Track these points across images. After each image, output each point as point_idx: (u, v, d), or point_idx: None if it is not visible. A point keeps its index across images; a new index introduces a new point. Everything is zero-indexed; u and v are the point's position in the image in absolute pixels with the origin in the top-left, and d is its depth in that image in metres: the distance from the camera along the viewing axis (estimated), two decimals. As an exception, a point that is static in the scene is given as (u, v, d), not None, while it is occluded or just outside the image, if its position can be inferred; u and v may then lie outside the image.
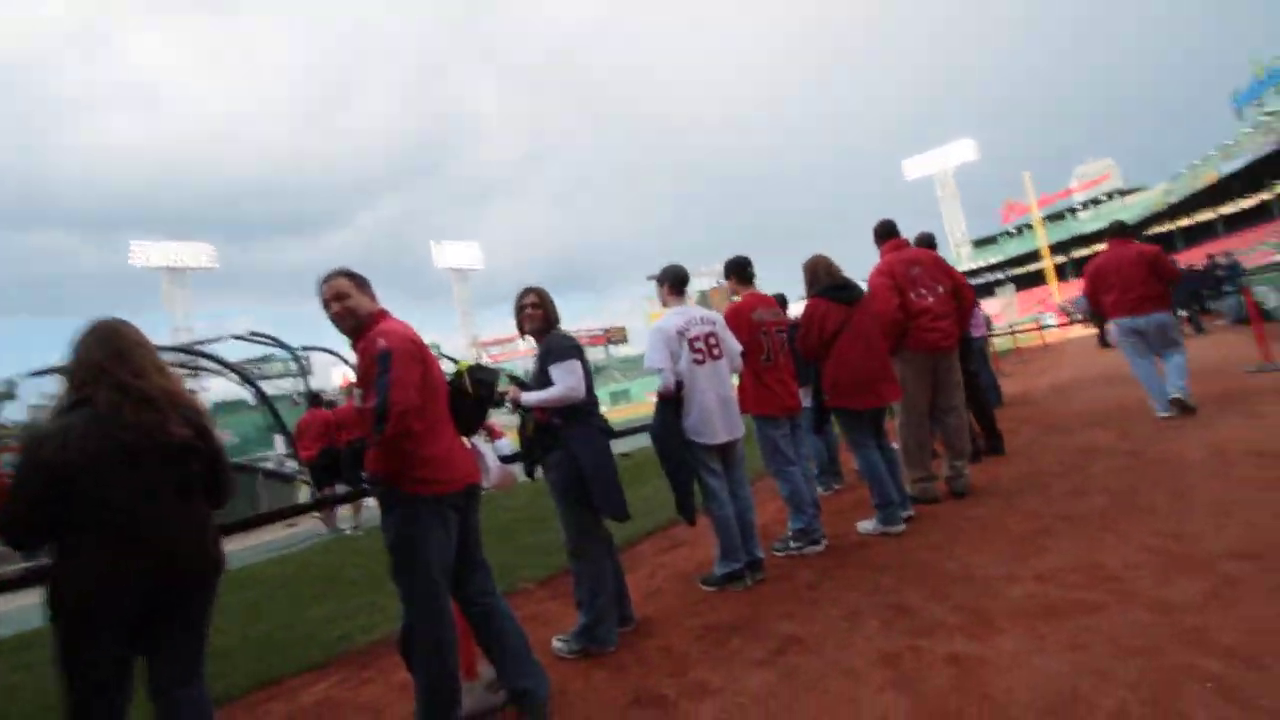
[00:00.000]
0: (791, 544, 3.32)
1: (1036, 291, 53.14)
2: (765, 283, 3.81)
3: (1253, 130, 36.72)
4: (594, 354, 69.87)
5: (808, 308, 3.57)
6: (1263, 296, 7.98)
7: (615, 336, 72.20)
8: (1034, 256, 54.49)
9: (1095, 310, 5.40)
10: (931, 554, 2.86)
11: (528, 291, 2.70)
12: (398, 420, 1.77)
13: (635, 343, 72.31)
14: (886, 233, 4.00)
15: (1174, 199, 44.36)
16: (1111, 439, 4.36)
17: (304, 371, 17.75)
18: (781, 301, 4.16)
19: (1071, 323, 26.17)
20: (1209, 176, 39.38)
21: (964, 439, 3.84)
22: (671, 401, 2.94)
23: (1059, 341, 18.67)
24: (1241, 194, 40.63)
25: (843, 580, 2.78)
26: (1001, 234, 64.72)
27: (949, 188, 66.81)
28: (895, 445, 3.67)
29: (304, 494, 11.07)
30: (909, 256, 3.84)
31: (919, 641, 2.05)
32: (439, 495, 1.92)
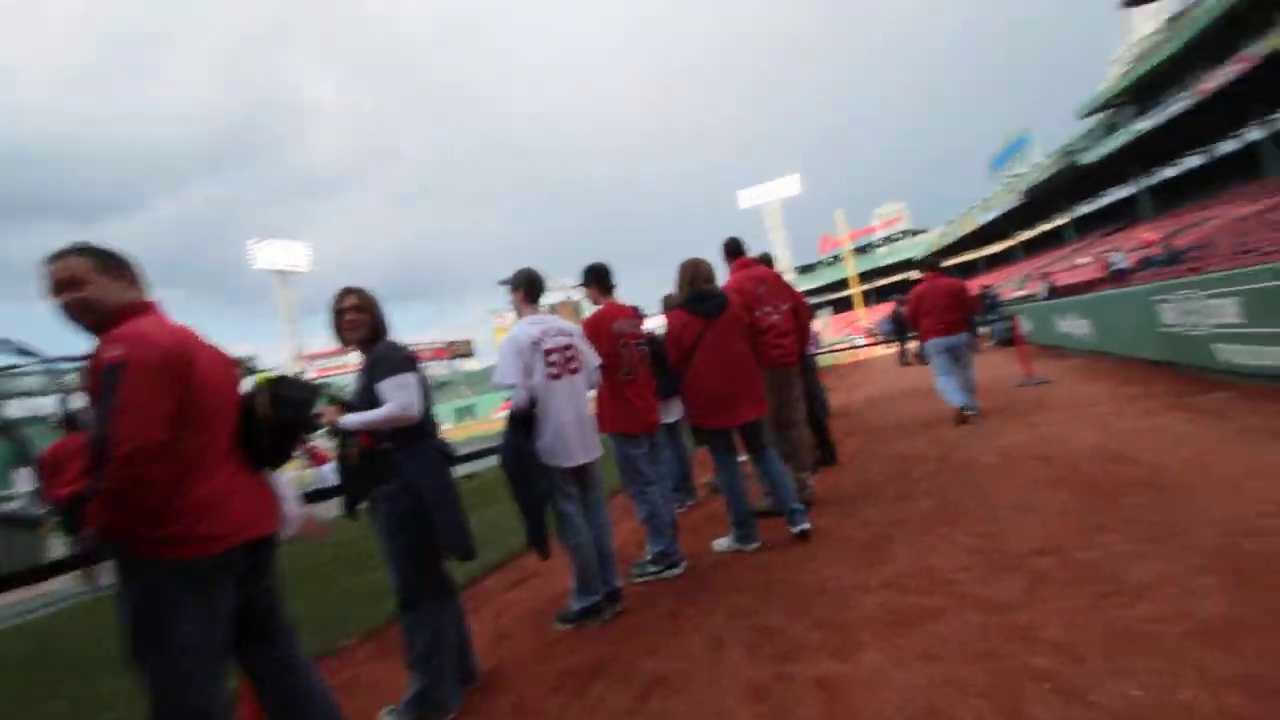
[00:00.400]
0: (650, 568, 3.18)
1: (847, 315, 60.47)
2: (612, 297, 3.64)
3: (1002, 189, 45.53)
4: (437, 368, 65.92)
5: (669, 319, 3.50)
6: (1023, 323, 9.71)
7: (460, 350, 68.78)
8: (845, 284, 61.95)
9: (916, 330, 6.16)
10: (787, 569, 2.88)
11: (347, 293, 2.26)
12: (123, 464, 1.29)
13: (481, 356, 69.55)
14: (735, 250, 4.09)
15: (948, 240, 53.42)
16: (924, 446, 4.87)
17: (64, 389, 14.35)
18: (638, 314, 4.06)
19: (876, 344, 30.18)
20: (971, 223, 48.01)
21: (806, 452, 4.01)
22: (523, 420, 2.66)
23: (867, 359, 21.23)
24: (996, 239, 50.14)
25: (704, 604, 2.68)
26: (819, 263, 73.01)
27: (777, 218, 73.77)
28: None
29: (59, 544, 8.82)
30: (757, 274, 3.94)
31: (786, 667, 1.98)
32: (200, 558, 1.45)
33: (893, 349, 17.88)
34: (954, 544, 2.71)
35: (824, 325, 56.70)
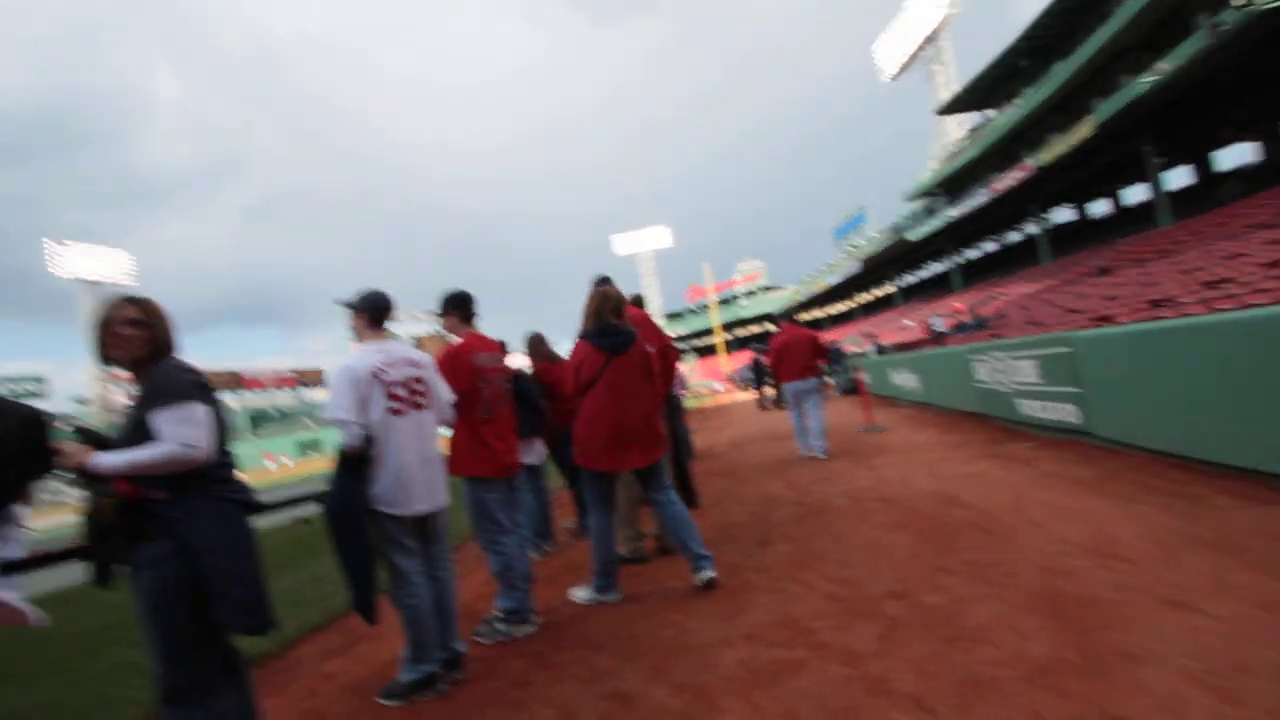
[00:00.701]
0: (499, 626, 2.85)
1: (710, 361, 63.79)
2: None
3: (844, 256, 51.17)
4: (283, 398, 59.13)
5: (574, 349, 3.28)
6: (865, 375, 10.74)
7: (309, 379, 62.32)
8: (709, 332, 65.61)
9: (776, 376, 6.58)
10: (647, 622, 2.71)
11: (125, 303, 1.81)
12: None
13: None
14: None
15: (801, 297, 58.70)
16: (782, 489, 5.03)
17: None
18: (503, 349, 3.80)
19: (737, 389, 32.05)
20: (821, 284, 53.26)
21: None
22: (355, 462, 2.28)
23: (729, 404, 22.35)
24: (840, 299, 56.05)
25: (558, 667, 2.41)
26: (687, 311, 76.81)
27: (649, 265, 76.85)
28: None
29: None
30: (629, 315, 3.88)
31: (644, 743, 1.78)
32: None
33: (753, 394, 18.96)
34: (813, 590, 2.71)
35: (691, 370, 59.32)
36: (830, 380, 16.59)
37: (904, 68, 46.88)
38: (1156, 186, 23.50)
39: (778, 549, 3.42)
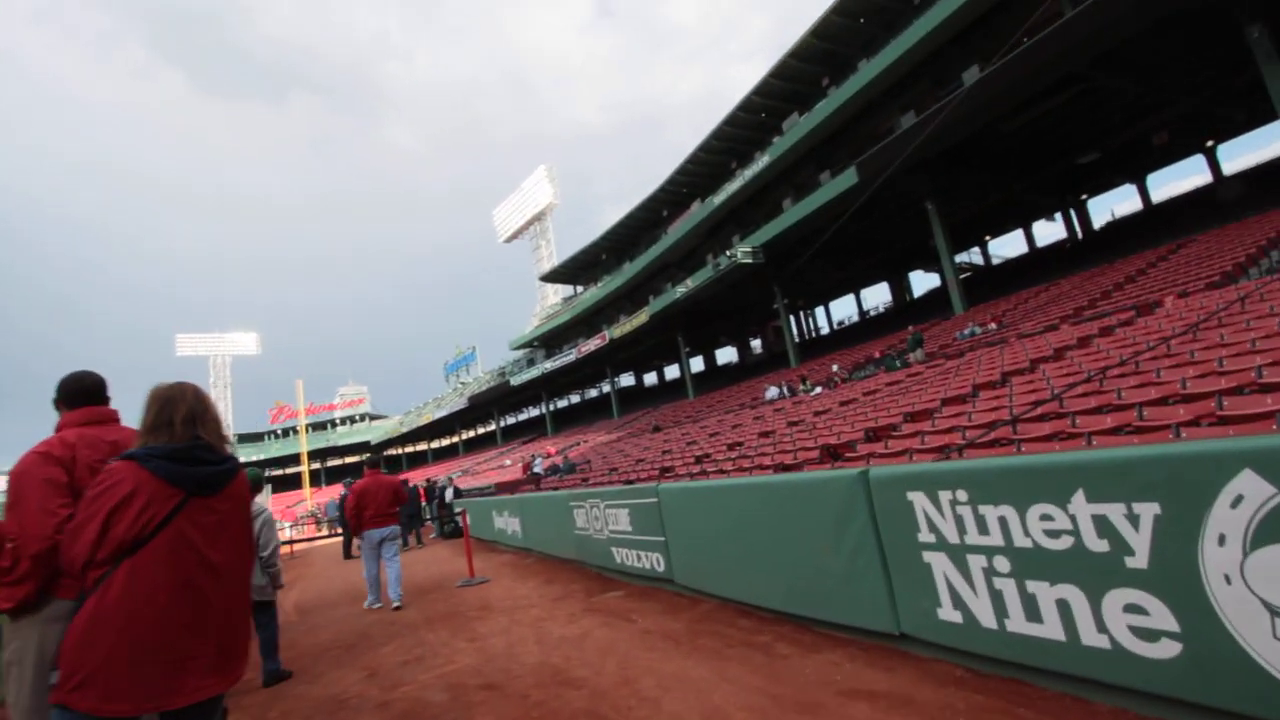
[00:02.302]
0: None
1: (292, 495, 53.58)
2: None
3: (453, 391, 51.82)
4: None
5: (100, 478, 1.71)
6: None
7: None
8: (295, 460, 55.74)
9: (355, 524, 6.47)
10: None
11: None
12: None
13: None
14: (79, 391, 2.27)
15: (405, 429, 55.97)
16: (361, 681, 3.87)
17: None
18: None
19: (319, 528, 27.10)
20: (427, 417, 52.10)
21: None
22: None
23: (306, 550, 18.42)
24: (445, 434, 55.50)
25: None
26: (268, 433, 64.28)
27: (224, 375, 62.82)
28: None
29: None
30: (110, 438, 2.20)
31: None
32: None
33: (337, 538, 16.17)
34: None
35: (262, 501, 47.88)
36: (429, 521, 15.44)
37: (516, 234, 53.75)
38: (686, 367, 31.62)
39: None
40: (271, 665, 4.21)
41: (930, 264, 28.31)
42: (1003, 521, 2.37)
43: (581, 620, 4.56)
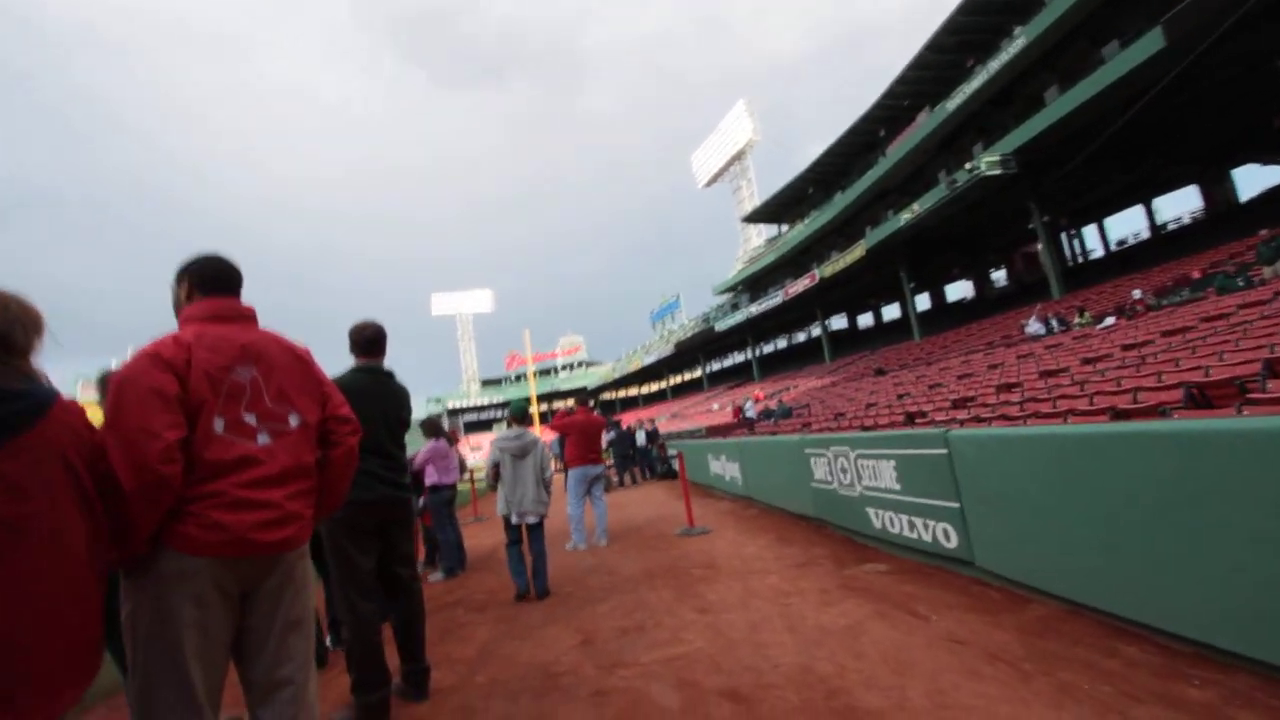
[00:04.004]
0: None
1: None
2: None
3: (659, 339, 53.27)
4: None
5: None
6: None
7: None
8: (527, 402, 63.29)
9: (562, 458, 6.83)
10: None
11: None
12: None
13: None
14: (210, 275, 1.71)
15: (617, 375, 59.43)
16: (573, 651, 3.26)
17: None
18: None
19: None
20: (636, 363, 54.46)
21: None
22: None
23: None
24: (653, 379, 57.73)
25: None
26: (505, 378, 73.60)
27: (468, 329, 72.96)
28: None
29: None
30: (241, 340, 1.64)
31: None
32: None
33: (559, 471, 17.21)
34: None
35: (467, 446, 53.45)
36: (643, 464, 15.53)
37: (715, 178, 52.10)
38: (911, 305, 27.67)
39: None
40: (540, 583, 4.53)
41: (1272, 153, 20.15)
42: None
43: (842, 603, 3.43)
